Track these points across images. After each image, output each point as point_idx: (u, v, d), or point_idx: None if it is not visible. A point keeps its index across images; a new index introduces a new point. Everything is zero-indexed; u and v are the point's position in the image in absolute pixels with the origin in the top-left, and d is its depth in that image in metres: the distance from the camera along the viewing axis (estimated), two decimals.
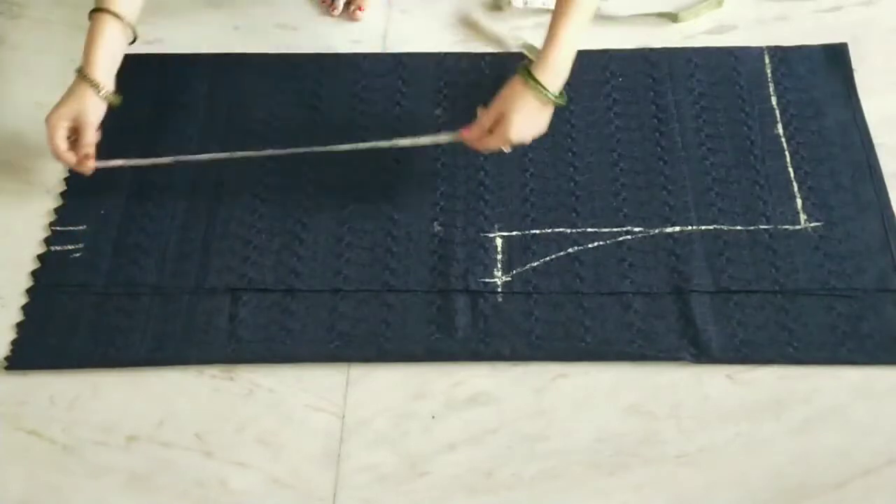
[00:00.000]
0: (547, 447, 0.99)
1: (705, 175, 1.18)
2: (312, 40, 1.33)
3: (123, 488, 0.97)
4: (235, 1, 1.38)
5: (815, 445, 0.98)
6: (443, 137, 1.12)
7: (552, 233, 1.13)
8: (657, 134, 1.22)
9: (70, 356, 1.05)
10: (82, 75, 1.10)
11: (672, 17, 1.33)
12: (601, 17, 1.31)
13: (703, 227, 1.13)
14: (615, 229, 1.13)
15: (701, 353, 1.04)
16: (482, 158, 1.19)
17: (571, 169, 1.18)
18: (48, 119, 1.11)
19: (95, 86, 1.09)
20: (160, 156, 1.20)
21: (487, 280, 1.10)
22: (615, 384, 1.03)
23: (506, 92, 1.05)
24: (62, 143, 1.11)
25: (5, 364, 1.05)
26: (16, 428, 1.01)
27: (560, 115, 1.16)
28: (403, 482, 0.97)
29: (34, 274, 1.11)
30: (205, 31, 1.35)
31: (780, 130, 1.22)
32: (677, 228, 1.13)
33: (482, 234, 1.13)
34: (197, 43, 1.33)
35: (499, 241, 1.13)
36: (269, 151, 1.16)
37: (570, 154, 1.19)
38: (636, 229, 1.13)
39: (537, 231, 1.13)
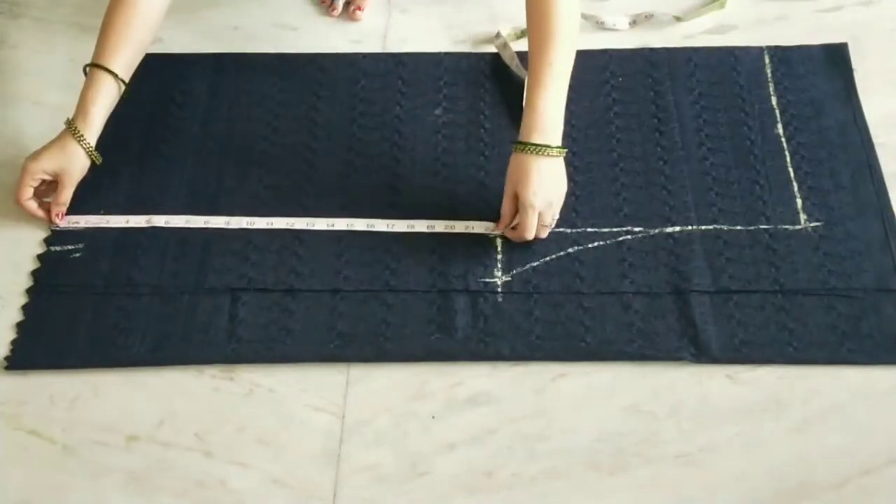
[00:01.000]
0: (547, 447, 0.99)
1: (705, 175, 1.18)
2: (312, 40, 1.33)
3: (123, 488, 0.97)
4: (235, 1, 1.38)
5: (814, 445, 0.98)
6: (479, 226, 1.13)
7: (552, 232, 1.13)
8: (657, 134, 1.22)
9: (70, 356, 1.05)
10: (73, 130, 1.10)
11: (676, 18, 1.33)
12: (603, 29, 1.32)
13: (703, 227, 1.13)
14: (615, 229, 1.13)
15: (701, 353, 1.04)
16: (482, 158, 1.19)
17: (571, 169, 1.17)
18: (27, 165, 1.10)
19: (85, 145, 1.10)
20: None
21: (487, 280, 1.10)
22: (615, 384, 1.03)
23: (509, 170, 1.07)
24: (29, 194, 1.11)
25: (5, 364, 1.05)
26: (16, 428, 1.01)
27: None
28: (403, 482, 0.97)
29: (34, 274, 1.11)
30: (205, 31, 1.35)
31: (780, 130, 1.22)
32: (677, 228, 1.13)
33: (482, 234, 1.13)
34: (197, 43, 1.33)
35: (499, 241, 1.13)
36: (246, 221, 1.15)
37: (570, 154, 1.19)
38: (636, 229, 1.13)
39: None
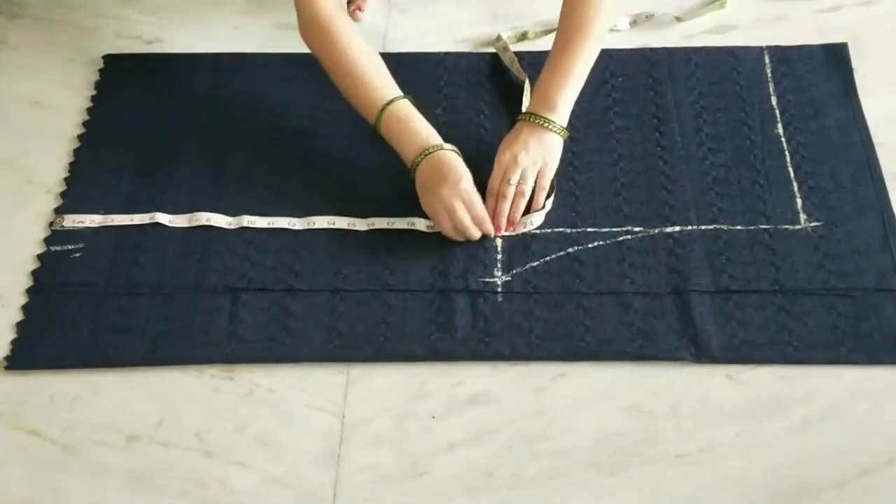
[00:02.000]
0: (547, 447, 0.99)
1: (705, 175, 1.18)
2: None
3: (123, 488, 0.97)
4: (235, 1, 1.38)
5: (814, 445, 0.98)
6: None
7: (552, 232, 1.13)
8: (657, 134, 1.22)
9: (70, 356, 1.05)
10: (439, 147, 1.09)
11: (676, 18, 1.33)
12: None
13: (703, 227, 1.13)
14: (615, 229, 1.13)
15: (701, 352, 1.04)
16: (482, 157, 1.19)
17: (571, 168, 1.18)
18: (469, 192, 1.08)
19: (455, 150, 1.10)
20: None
21: (487, 280, 1.10)
22: (615, 384, 1.03)
23: (505, 137, 1.07)
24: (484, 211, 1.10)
25: (5, 364, 1.05)
26: (16, 428, 1.01)
27: None
28: (403, 482, 0.97)
29: (34, 274, 1.11)
30: (205, 31, 1.35)
31: (780, 130, 1.22)
32: (677, 228, 1.13)
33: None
34: (197, 43, 1.33)
35: (499, 241, 1.13)
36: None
37: (569, 154, 1.19)
38: (636, 229, 1.13)
39: (537, 231, 1.13)
